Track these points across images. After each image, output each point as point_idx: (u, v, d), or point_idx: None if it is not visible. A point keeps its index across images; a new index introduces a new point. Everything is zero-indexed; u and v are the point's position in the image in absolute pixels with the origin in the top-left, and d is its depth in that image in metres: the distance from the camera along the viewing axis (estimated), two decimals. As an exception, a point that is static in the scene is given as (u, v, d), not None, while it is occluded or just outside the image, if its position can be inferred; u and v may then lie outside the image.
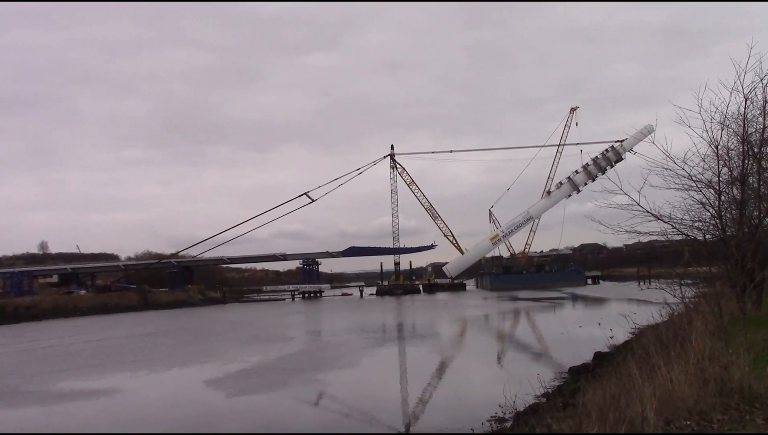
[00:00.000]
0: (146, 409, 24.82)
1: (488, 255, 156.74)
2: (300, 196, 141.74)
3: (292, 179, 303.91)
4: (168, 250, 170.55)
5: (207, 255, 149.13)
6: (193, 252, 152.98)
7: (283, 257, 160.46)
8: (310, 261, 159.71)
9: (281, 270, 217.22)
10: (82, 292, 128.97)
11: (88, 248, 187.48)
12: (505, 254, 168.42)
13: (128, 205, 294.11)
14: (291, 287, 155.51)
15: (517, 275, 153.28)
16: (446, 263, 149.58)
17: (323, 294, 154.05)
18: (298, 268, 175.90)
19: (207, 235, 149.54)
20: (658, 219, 19.56)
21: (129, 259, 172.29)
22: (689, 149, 19.35)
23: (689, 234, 20.11)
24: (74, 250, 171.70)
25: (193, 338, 55.66)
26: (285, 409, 23.68)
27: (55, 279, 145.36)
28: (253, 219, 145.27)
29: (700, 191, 19.15)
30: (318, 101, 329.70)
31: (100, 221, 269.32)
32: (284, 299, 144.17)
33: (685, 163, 19.01)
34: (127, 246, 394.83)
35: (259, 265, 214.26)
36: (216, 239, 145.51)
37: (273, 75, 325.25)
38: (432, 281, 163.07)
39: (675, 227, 19.89)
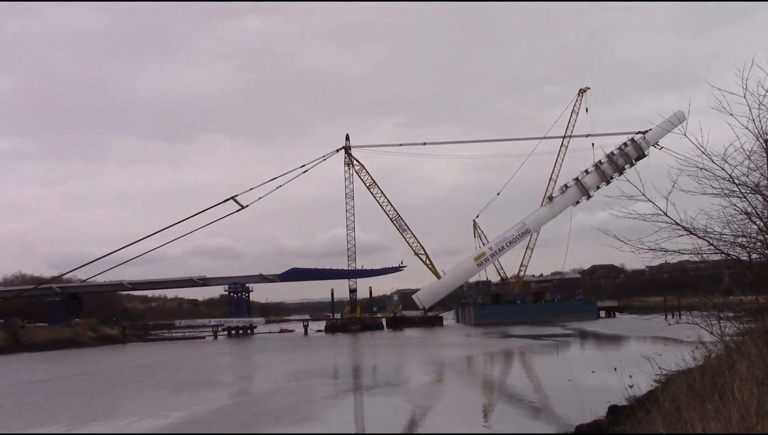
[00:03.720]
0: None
1: (472, 280, 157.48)
2: (226, 201, 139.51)
3: (216, 178, 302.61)
4: (48, 273, 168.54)
5: (101, 279, 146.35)
6: (82, 274, 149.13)
7: (203, 282, 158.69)
8: (238, 287, 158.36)
9: (200, 299, 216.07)
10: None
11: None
12: (495, 279, 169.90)
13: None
14: (213, 322, 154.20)
15: (510, 306, 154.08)
16: (417, 290, 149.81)
17: (255, 330, 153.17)
18: (222, 296, 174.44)
19: (101, 252, 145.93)
20: (691, 233, 19.65)
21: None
22: (731, 143, 19.33)
23: (730, 253, 20.19)
24: None
25: (106, 385, 56.87)
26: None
27: None
28: (163, 231, 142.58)
29: (745, 198, 19.18)
30: (250, 78, 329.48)
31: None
32: (204, 337, 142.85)
33: (726, 161, 19.04)
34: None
35: (170, 292, 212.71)
36: (113, 257, 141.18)
37: (191, 43, 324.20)
38: (399, 314, 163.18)
39: (712, 244, 19.97)
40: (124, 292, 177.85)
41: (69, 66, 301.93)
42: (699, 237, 19.69)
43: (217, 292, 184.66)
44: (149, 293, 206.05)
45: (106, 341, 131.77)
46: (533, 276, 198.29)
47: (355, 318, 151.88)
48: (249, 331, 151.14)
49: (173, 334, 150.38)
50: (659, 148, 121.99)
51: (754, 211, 19.02)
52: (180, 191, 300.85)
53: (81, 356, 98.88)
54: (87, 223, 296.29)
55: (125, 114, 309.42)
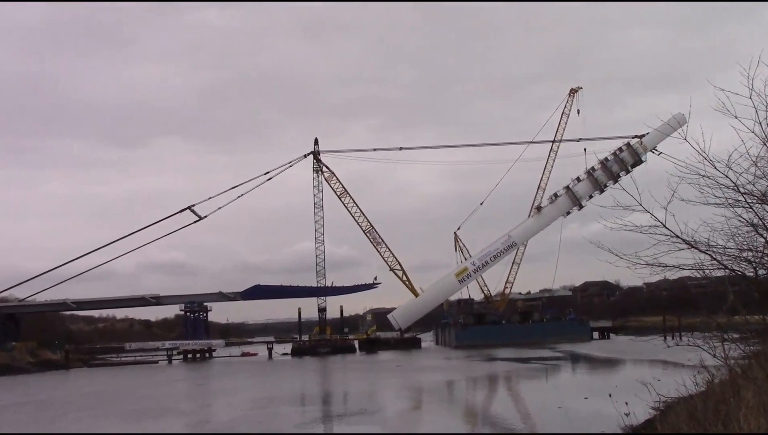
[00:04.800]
0: None
1: (453, 298, 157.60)
2: (182, 211, 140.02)
3: (171, 187, 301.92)
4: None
5: (41, 297, 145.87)
6: (20, 293, 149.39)
7: (156, 301, 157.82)
8: (195, 306, 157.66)
9: (153, 319, 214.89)
10: None
11: None
12: (478, 297, 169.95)
13: None
14: (167, 344, 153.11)
15: (494, 326, 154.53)
16: (393, 309, 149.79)
17: (215, 354, 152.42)
18: (177, 316, 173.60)
19: (42, 268, 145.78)
20: (692, 247, 19.73)
21: None
22: (735, 149, 19.42)
23: (735, 268, 20.28)
24: None
25: (54, 415, 56.55)
26: None
27: None
28: (111, 244, 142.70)
29: (751, 208, 19.30)
30: (210, 77, 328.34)
31: None
32: (157, 362, 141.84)
33: (730, 168, 19.14)
34: None
35: (119, 312, 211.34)
36: (56, 274, 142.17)
37: (144, 39, 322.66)
38: (372, 335, 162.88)
39: (715, 258, 20.04)
40: (68, 312, 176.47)
41: (6, 63, 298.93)
42: (701, 251, 19.77)
43: (171, 311, 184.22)
44: (96, 313, 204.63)
45: (47, 367, 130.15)
46: (520, 294, 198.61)
47: (324, 340, 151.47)
48: (207, 355, 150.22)
49: (123, 359, 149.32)
50: (657, 153, 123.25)
51: (761, 222, 19.08)
52: (131, 201, 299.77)
53: (20, 383, 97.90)
54: (26, 236, 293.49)
55: (70, 116, 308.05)
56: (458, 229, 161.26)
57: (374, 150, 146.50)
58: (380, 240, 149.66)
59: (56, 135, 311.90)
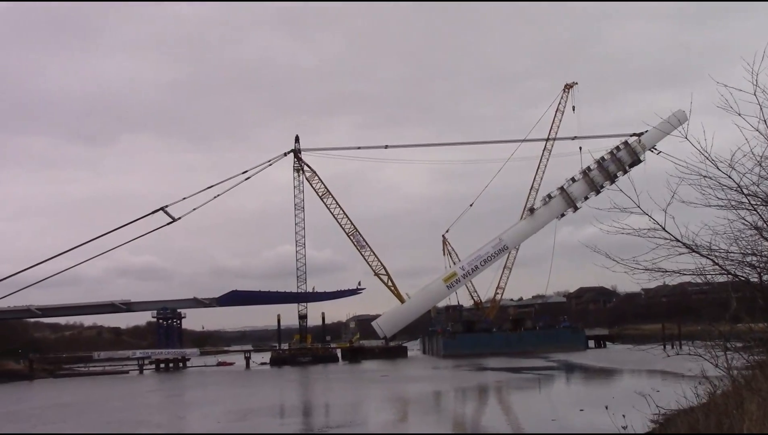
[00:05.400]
0: None
1: (441, 304, 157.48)
2: (154, 212, 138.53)
3: (143, 186, 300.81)
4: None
5: (3, 303, 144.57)
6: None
7: (127, 307, 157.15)
8: (168, 313, 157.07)
9: (123, 327, 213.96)
10: None
11: None
12: (467, 303, 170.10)
13: None
14: (138, 353, 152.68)
15: (484, 335, 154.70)
16: (378, 316, 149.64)
17: (189, 363, 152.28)
18: (149, 323, 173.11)
19: (4, 273, 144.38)
20: (693, 251, 19.75)
21: None
22: (739, 148, 19.44)
23: (738, 273, 20.31)
24: None
25: (21, 428, 56.59)
26: None
27: None
28: (79, 247, 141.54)
29: (755, 210, 19.32)
30: (183, 70, 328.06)
31: None
32: (127, 372, 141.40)
33: (733, 168, 19.15)
34: None
35: (88, 319, 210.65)
36: (19, 279, 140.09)
37: (113, 29, 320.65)
38: (356, 344, 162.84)
39: (717, 263, 20.07)
40: (32, 320, 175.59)
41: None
42: (702, 255, 19.77)
43: (143, 318, 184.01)
44: (62, 320, 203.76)
45: (9, 377, 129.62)
46: (512, 300, 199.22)
47: (305, 348, 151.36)
48: (181, 365, 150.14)
49: (91, 369, 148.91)
50: (656, 152, 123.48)
51: (765, 225, 19.06)
52: (100, 201, 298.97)
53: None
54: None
55: (32, 110, 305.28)
56: (447, 231, 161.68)
57: (358, 148, 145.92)
58: (364, 243, 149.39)
59: (17, 131, 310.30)
